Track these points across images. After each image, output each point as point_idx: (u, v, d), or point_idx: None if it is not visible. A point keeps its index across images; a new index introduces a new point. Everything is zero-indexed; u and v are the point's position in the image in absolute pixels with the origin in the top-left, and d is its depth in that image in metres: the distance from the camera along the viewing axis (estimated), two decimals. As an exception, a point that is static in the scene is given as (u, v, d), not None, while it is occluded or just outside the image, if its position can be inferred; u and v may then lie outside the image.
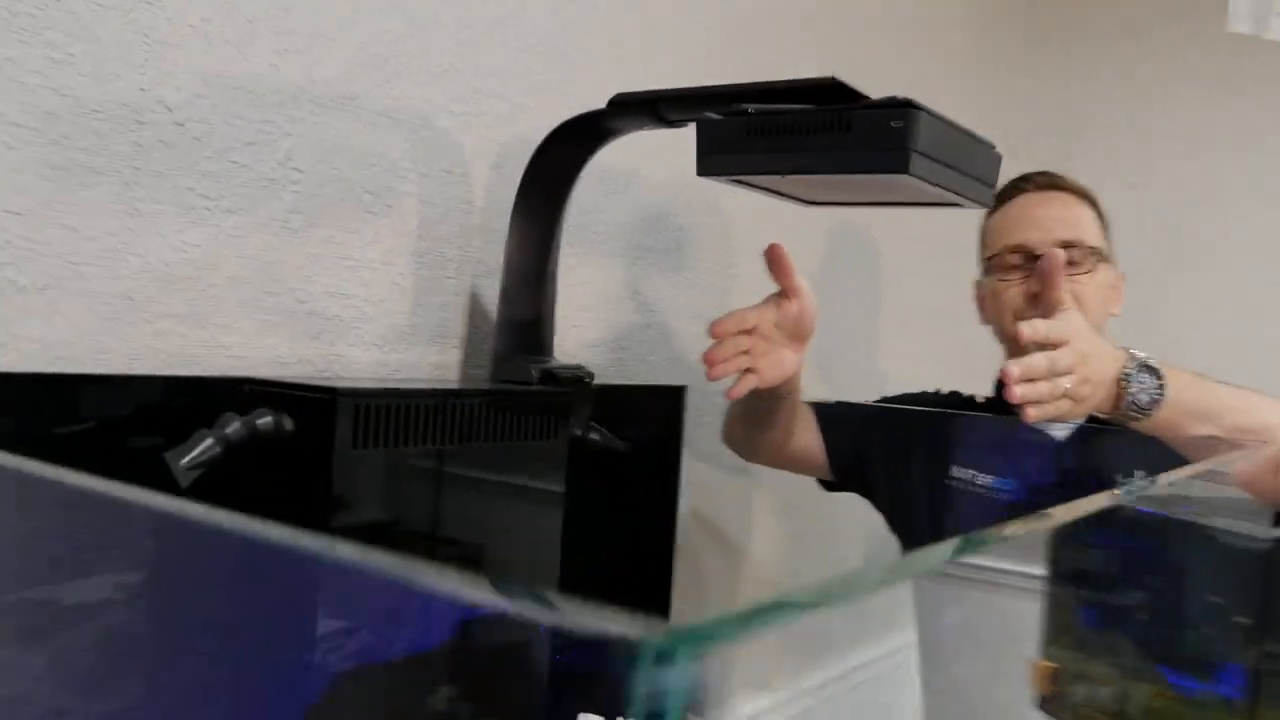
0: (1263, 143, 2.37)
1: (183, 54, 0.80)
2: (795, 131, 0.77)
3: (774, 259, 1.00)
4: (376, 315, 0.97)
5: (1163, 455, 1.10)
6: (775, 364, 1.04)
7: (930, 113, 0.73)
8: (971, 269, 1.38)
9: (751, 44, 1.44)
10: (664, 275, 1.33)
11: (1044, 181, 1.18)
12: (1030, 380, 0.86)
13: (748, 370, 1.02)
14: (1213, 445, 0.94)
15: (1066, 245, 1.15)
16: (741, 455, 1.25)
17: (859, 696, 1.77)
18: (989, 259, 1.21)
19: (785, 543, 1.65)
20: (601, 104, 0.92)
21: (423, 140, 1.00)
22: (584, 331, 1.21)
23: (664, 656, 0.20)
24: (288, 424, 0.72)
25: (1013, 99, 2.28)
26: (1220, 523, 1.17)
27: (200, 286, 0.83)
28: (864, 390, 1.70)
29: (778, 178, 0.83)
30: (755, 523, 1.57)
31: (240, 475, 0.70)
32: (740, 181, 0.84)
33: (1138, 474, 1.13)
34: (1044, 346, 0.88)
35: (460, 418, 0.79)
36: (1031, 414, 0.86)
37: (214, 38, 0.82)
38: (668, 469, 1.17)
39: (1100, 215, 1.19)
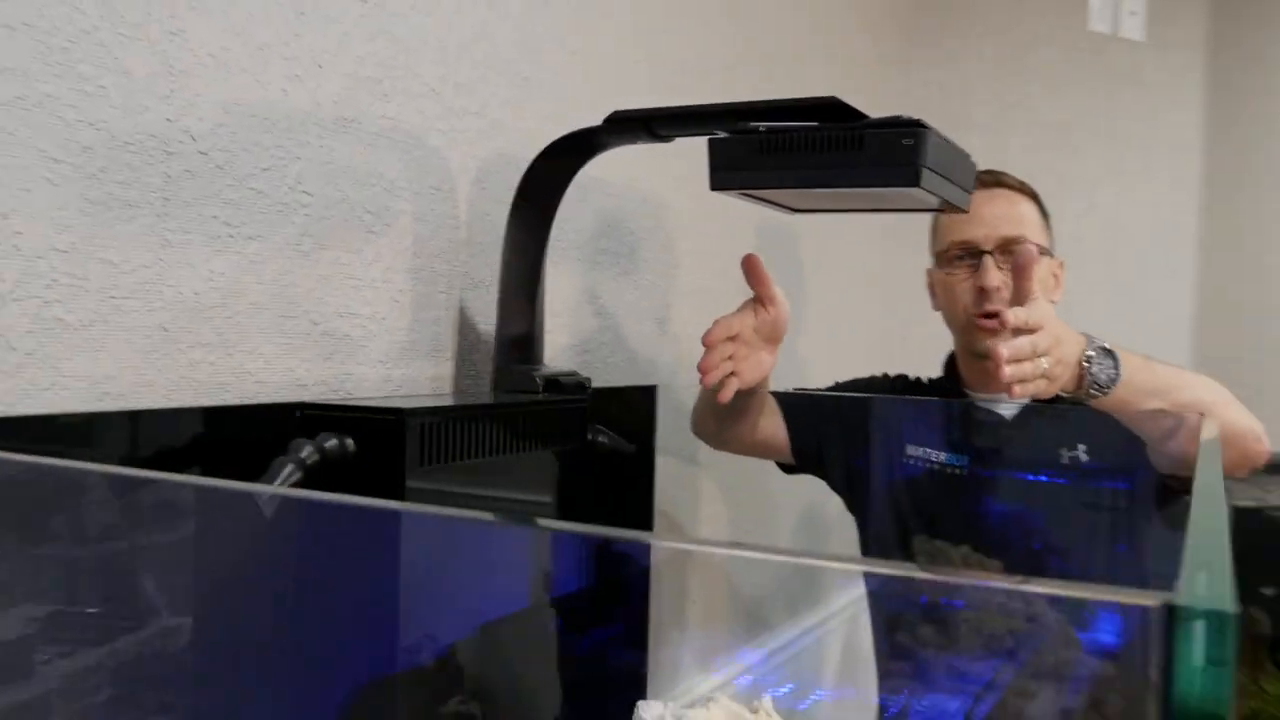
0: (1115, 134, 2.57)
1: (204, 83, 0.80)
2: (808, 149, 0.83)
3: (752, 269, 1.06)
4: (379, 333, 0.98)
5: (1101, 429, 1.22)
6: (755, 366, 1.10)
7: (935, 131, 0.81)
8: (887, 264, 1.48)
9: (698, 62, 1.50)
10: (619, 279, 1.38)
11: (989, 179, 1.28)
12: (1017, 361, 0.94)
13: (731, 374, 1.08)
14: (1157, 417, 1.06)
15: (1008, 242, 1.26)
16: (711, 445, 1.32)
17: (803, 661, 1.87)
18: (939, 253, 1.30)
19: (743, 527, 1.72)
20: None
21: (414, 159, 1.01)
22: (555, 336, 1.24)
23: (1207, 619, 0.25)
24: (350, 445, 0.74)
25: (898, 96, 2.41)
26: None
27: (226, 314, 0.83)
28: (787, 375, 1.79)
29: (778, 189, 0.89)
30: (714, 511, 1.63)
31: (312, 499, 0.72)
32: (748, 194, 0.90)
33: (1080, 447, 1.24)
34: (1021, 331, 0.97)
35: (507, 430, 0.82)
36: (1017, 391, 0.95)
37: (231, 66, 0.83)
38: (644, 465, 1.22)
39: (1041, 209, 1.30)
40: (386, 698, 0.85)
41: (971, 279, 1.25)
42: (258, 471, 0.72)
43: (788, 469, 1.40)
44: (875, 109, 0.83)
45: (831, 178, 0.83)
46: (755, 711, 0.82)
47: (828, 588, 2.05)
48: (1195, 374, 1.13)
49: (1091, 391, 1.02)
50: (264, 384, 0.87)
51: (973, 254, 1.25)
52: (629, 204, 1.38)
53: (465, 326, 1.09)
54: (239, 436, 0.76)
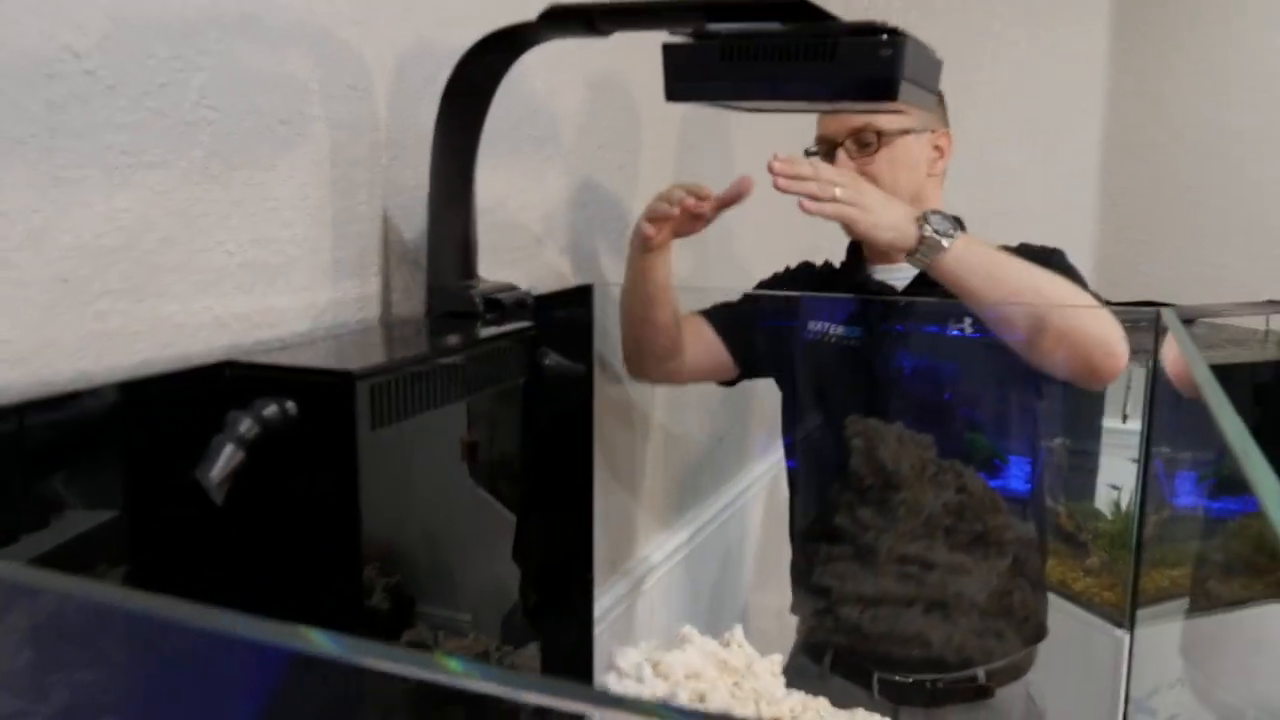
0: None
1: (83, -12, 0.69)
2: (775, 57, 0.76)
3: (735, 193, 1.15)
4: (301, 256, 0.90)
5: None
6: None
7: (913, 38, 0.74)
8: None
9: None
10: (540, 166, 1.29)
11: None
12: (794, 174, 1.04)
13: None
14: (998, 308, 1.11)
15: (857, 131, 1.28)
16: (652, 382, 1.34)
17: (739, 521, 1.91)
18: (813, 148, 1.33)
19: (680, 425, 1.70)
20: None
21: (326, 56, 0.91)
22: (481, 237, 1.16)
23: None
24: (291, 409, 0.67)
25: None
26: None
27: (134, 255, 0.74)
28: (726, 274, 1.78)
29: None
30: (652, 418, 1.61)
31: (256, 477, 0.65)
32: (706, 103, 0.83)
33: (967, 320, 1.25)
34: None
35: (458, 375, 0.76)
36: (808, 205, 1.05)
37: (113, -35, 0.71)
38: (584, 377, 1.17)
39: None
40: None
41: None
42: (191, 448, 0.65)
43: (727, 383, 1.42)
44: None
45: (801, 90, 0.76)
46: (726, 645, 0.81)
47: (749, 458, 2.07)
48: (1052, 275, 1.14)
49: (930, 244, 1.09)
50: (181, 327, 0.78)
51: (831, 148, 1.30)
52: (549, 85, 1.28)
53: (391, 239, 1.01)
54: (162, 408, 0.68)
